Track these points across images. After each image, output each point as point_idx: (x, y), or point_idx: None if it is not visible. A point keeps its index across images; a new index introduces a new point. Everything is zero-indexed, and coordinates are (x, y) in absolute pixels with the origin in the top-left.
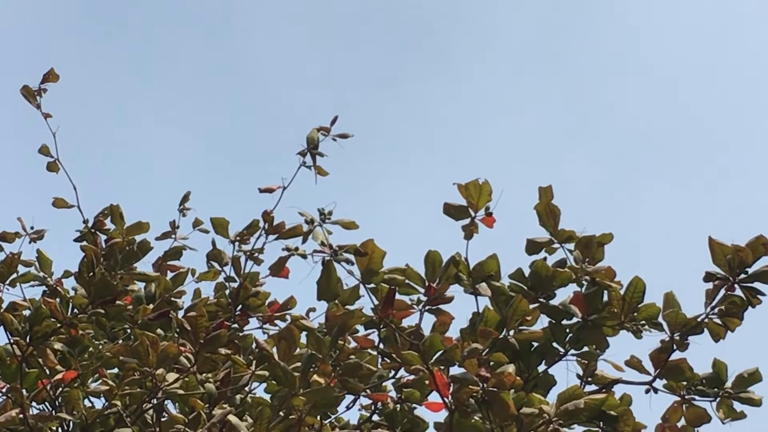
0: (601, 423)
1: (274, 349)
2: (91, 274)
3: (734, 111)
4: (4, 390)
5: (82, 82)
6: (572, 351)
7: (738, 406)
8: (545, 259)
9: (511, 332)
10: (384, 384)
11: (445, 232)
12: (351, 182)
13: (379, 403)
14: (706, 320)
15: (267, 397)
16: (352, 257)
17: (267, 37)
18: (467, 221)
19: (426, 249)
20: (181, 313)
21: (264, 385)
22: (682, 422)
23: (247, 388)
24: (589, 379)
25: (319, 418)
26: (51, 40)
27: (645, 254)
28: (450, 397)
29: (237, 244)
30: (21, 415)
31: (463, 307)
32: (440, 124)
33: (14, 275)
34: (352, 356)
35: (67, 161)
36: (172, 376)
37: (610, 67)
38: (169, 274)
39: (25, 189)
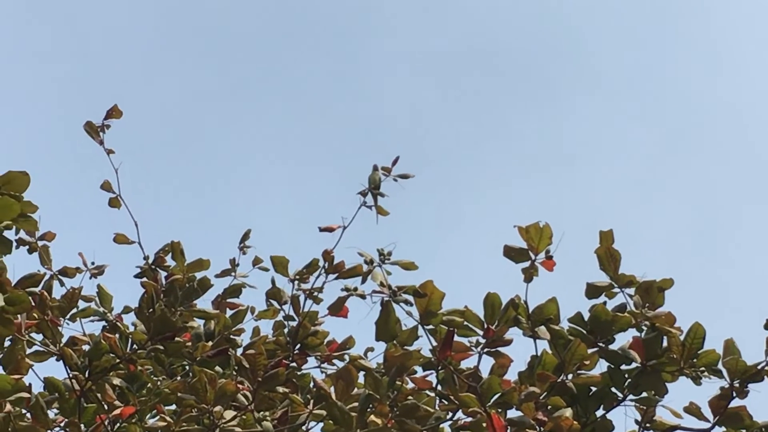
0: None
1: (332, 389)
2: (151, 310)
3: None
4: (62, 425)
5: (162, 118)
6: (631, 396)
7: None
8: (605, 303)
9: (569, 376)
10: (441, 426)
11: (506, 274)
12: (413, 222)
13: None
14: (767, 368)
15: None
16: (410, 298)
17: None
18: (527, 264)
19: (485, 291)
20: (239, 351)
21: (321, 424)
22: None
23: (304, 427)
24: (648, 425)
25: None
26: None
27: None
28: None
29: (296, 282)
30: None
31: (521, 349)
32: (522, 164)
33: (74, 310)
34: (410, 397)
35: (130, 198)
36: (229, 414)
37: (706, 108)
38: (229, 312)
39: (86, 224)
